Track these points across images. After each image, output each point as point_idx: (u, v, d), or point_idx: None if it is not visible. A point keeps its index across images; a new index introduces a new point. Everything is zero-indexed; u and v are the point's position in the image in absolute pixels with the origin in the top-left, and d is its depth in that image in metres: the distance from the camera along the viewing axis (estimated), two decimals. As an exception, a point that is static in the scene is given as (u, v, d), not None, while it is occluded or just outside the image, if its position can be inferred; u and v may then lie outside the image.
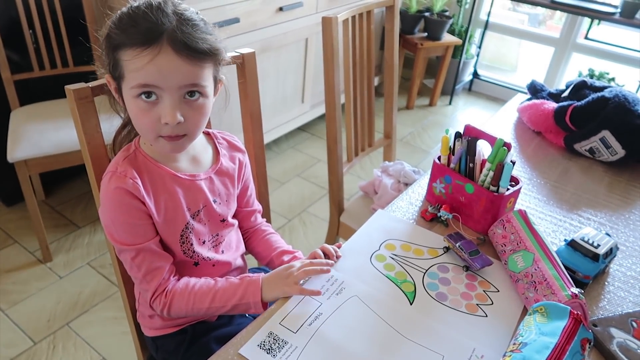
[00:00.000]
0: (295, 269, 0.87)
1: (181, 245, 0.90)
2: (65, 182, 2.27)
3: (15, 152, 1.65)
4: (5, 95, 1.85)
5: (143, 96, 0.76)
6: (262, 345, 0.76)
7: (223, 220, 0.97)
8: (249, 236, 1.10)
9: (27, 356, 1.54)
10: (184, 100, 0.78)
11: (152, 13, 0.74)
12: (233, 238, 1.03)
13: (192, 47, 0.75)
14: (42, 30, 1.85)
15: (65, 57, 1.93)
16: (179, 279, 0.91)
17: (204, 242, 0.94)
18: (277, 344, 0.76)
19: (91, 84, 0.86)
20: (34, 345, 1.57)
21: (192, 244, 0.92)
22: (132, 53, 0.74)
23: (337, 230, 1.64)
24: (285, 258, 1.01)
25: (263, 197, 1.22)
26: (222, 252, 0.99)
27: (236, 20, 2.01)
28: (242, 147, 1.03)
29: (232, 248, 1.02)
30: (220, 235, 0.98)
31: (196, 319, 0.99)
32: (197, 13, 0.80)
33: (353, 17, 1.47)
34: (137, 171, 0.84)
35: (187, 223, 0.90)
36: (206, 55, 0.78)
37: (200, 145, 0.94)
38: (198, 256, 0.93)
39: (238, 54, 1.05)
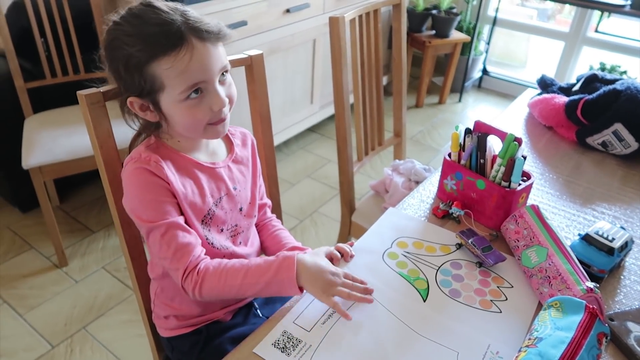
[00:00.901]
0: (339, 280, 0.84)
1: (203, 230, 0.91)
2: (79, 187, 2.30)
3: (30, 159, 1.67)
4: (19, 103, 1.88)
5: (192, 95, 0.79)
6: (277, 344, 0.77)
7: (241, 209, 0.98)
8: (259, 230, 1.10)
9: (45, 360, 1.56)
10: (219, 82, 0.82)
11: (157, 15, 0.75)
12: (250, 233, 1.04)
13: (211, 31, 0.78)
14: (54, 38, 1.88)
15: (76, 64, 1.96)
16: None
17: (222, 230, 0.95)
18: (291, 343, 0.77)
19: (102, 89, 0.87)
20: (51, 349, 1.60)
21: (210, 231, 0.92)
22: (169, 60, 0.75)
23: (349, 230, 1.64)
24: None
25: (274, 198, 1.22)
26: (240, 243, 0.99)
27: (244, 23, 2.02)
28: (252, 136, 1.05)
29: (249, 243, 1.03)
30: (239, 226, 0.98)
31: (210, 318, 0.99)
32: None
33: (360, 17, 1.47)
34: (160, 157, 0.85)
35: (210, 209, 0.91)
36: (221, 33, 0.80)
37: (215, 140, 0.96)
38: (216, 243, 0.93)
39: (246, 56, 1.06)
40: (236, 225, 0.98)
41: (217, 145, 0.97)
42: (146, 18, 0.75)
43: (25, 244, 1.99)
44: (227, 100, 0.82)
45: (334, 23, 1.36)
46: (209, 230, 0.92)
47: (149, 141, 0.89)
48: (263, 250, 1.10)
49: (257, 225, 1.10)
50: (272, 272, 0.84)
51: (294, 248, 1.03)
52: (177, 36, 0.75)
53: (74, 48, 1.92)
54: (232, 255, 0.97)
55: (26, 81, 1.86)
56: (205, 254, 0.89)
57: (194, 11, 0.80)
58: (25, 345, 1.60)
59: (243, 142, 1.01)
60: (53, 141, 1.74)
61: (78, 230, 2.08)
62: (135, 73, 0.77)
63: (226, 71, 0.83)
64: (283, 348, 0.76)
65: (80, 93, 0.84)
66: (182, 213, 0.87)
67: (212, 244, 0.93)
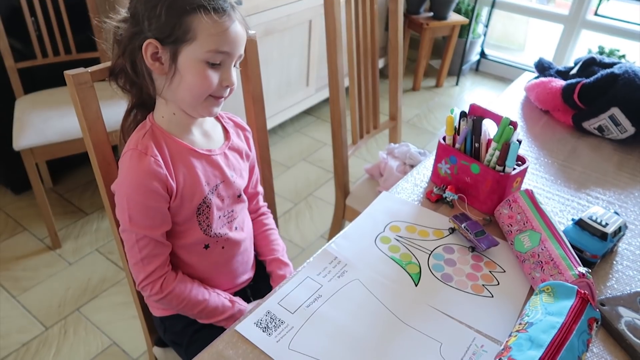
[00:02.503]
0: None
1: (197, 217, 0.91)
2: (73, 169, 2.29)
3: (21, 140, 1.65)
4: (10, 84, 1.85)
5: (212, 60, 0.81)
6: (259, 324, 0.77)
7: (239, 196, 0.98)
8: (251, 222, 1.10)
9: (39, 341, 1.56)
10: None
11: None
12: (245, 217, 1.05)
13: (245, 21, 0.85)
14: (44, 18, 1.84)
15: (67, 44, 1.93)
16: (176, 273, 0.93)
17: (219, 217, 0.95)
18: (273, 323, 0.77)
19: (91, 69, 0.85)
20: (45, 330, 1.60)
21: (207, 218, 0.92)
22: (212, 18, 0.78)
23: (343, 214, 1.64)
24: (279, 272, 1.07)
25: (267, 181, 1.21)
26: (235, 229, 1.00)
27: (238, 3, 1.97)
28: (247, 126, 1.05)
29: (245, 227, 1.04)
30: (234, 211, 0.99)
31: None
32: None
33: (356, -3, 1.45)
34: (156, 146, 0.85)
35: (205, 197, 0.90)
36: (248, 28, 0.87)
37: (210, 122, 0.96)
38: (212, 231, 0.94)
39: (239, 36, 1.04)
40: (232, 211, 0.98)
41: (213, 128, 0.96)
42: None
43: (19, 226, 1.98)
44: (235, 81, 0.86)
45: (329, 4, 1.33)
46: (206, 217, 0.92)
47: (144, 126, 0.87)
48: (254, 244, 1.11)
49: (250, 216, 1.10)
50: (224, 317, 0.96)
51: (279, 262, 1.08)
52: (225, 6, 0.80)
53: (65, 28, 1.89)
54: (228, 242, 0.97)
55: (16, 61, 1.83)
56: (206, 246, 0.95)
57: None
58: (19, 327, 1.60)
59: (237, 133, 1.01)
60: (44, 122, 1.72)
61: (72, 212, 2.07)
62: (174, 16, 0.78)
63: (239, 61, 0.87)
64: (265, 328, 0.76)
65: (68, 73, 0.83)
66: (165, 221, 0.88)
67: (206, 232, 0.93)
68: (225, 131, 0.99)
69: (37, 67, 1.90)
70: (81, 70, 0.84)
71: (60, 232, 1.95)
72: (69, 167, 2.27)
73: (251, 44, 1.06)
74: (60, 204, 2.11)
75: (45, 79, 1.94)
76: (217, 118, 0.99)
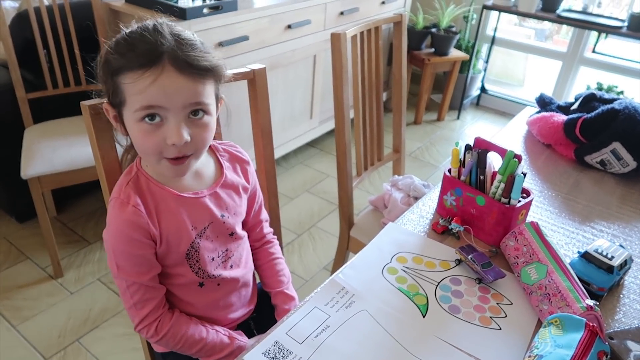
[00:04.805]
0: None
1: (188, 260, 0.90)
2: (76, 199, 2.29)
3: (29, 169, 1.67)
4: (20, 114, 1.88)
5: (147, 119, 0.75)
6: (267, 354, 0.77)
7: (232, 234, 0.95)
8: (256, 251, 1.08)
9: (37, 372, 1.54)
10: (189, 119, 0.77)
11: (150, 35, 0.73)
12: (243, 253, 1.01)
13: (194, 65, 0.75)
14: (56, 50, 1.89)
15: (78, 75, 1.97)
16: (172, 313, 0.91)
17: (212, 259, 0.93)
18: (281, 353, 0.77)
19: (106, 100, 0.87)
20: (44, 361, 1.58)
21: (198, 261, 0.91)
22: (133, 76, 0.73)
23: (347, 245, 1.64)
24: (285, 306, 1.04)
25: (274, 212, 1.22)
26: (231, 267, 0.97)
27: (245, 38, 2.04)
28: (246, 157, 1.00)
29: (242, 263, 1.00)
30: (229, 250, 0.96)
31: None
32: (193, 34, 0.80)
33: (361, 33, 1.49)
34: (139, 195, 0.83)
35: (192, 242, 0.89)
36: (208, 72, 0.77)
37: (202, 159, 0.88)
38: (204, 274, 0.92)
39: (249, 69, 1.07)
40: (227, 250, 0.96)
41: (204, 166, 0.92)
42: (140, 34, 0.75)
43: (21, 255, 1.98)
44: (186, 138, 0.76)
45: (336, 39, 1.37)
46: (196, 260, 0.90)
47: (130, 171, 0.86)
48: (258, 274, 1.10)
49: (254, 244, 1.08)
50: (223, 355, 0.94)
51: (284, 296, 1.05)
52: (152, 58, 0.72)
53: (76, 60, 1.93)
54: (223, 281, 0.96)
55: (28, 92, 1.87)
56: (200, 284, 0.93)
57: (199, 42, 0.78)
58: (18, 357, 1.58)
59: (233, 167, 0.97)
60: (53, 151, 1.74)
61: (74, 241, 2.07)
62: (107, 79, 0.77)
63: (202, 110, 0.78)
64: (273, 358, 0.76)
65: (84, 103, 0.85)
66: (154, 266, 0.87)
67: (198, 274, 0.92)
68: (220, 166, 0.94)
69: (47, 97, 1.93)
70: (97, 100, 0.86)
71: (62, 261, 1.94)
72: (73, 197, 2.28)
73: (261, 77, 1.09)
74: (63, 232, 2.11)
75: (54, 109, 1.97)
76: (212, 151, 0.95)
